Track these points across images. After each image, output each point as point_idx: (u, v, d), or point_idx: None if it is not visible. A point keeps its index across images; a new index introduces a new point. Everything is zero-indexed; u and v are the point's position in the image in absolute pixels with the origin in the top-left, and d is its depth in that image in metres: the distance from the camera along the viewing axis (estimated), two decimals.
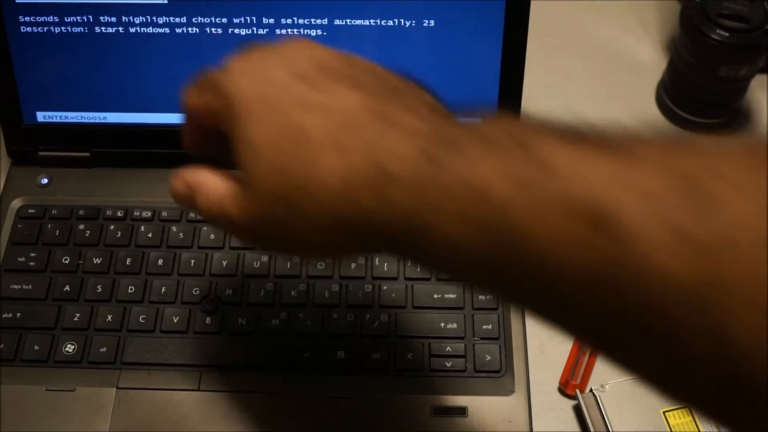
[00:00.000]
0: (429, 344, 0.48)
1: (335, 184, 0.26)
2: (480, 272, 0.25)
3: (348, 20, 0.50)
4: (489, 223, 0.23)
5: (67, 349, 0.48)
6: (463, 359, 0.47)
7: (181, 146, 0.36)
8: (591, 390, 0.45)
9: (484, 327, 0.48)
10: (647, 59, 0.65)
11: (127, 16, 0.51)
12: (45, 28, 0.51)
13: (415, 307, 0.49)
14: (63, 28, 0.51)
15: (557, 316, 0.24)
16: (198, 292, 0.50)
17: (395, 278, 0.50)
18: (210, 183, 0.32)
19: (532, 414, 0.46)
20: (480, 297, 0.49)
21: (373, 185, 0.25)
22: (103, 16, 0.51)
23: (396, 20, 0.50)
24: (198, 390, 0.46)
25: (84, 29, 0.51)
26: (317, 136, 0.27)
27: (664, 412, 0.44)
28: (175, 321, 0.49)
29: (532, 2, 0.49)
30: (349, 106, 0.27)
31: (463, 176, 0.24)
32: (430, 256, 0.26)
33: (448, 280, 0.50)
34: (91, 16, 0.51)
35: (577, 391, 0.47)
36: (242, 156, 0.29)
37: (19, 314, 0.49)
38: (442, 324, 0.48)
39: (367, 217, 0.26)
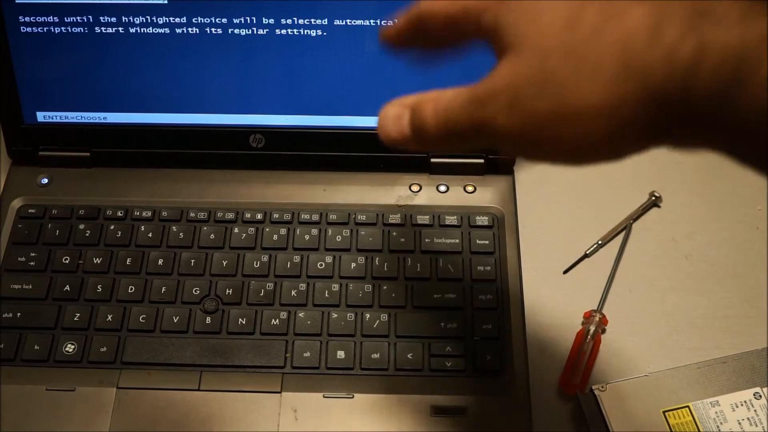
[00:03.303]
0: (429, 344, 0.48)
1: (639, 24, 0.23)
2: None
3: (348, 20, 0.50)
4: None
5: (67, 348, 0.48)
6: (463, 359, 0.47)
7: (384, 38, 0.32)
8: (591, 390, 0.45)
9: (484, 327, 0.48)
10: None
11: (127, 16, 0.51)
12: (45, 28, 0.51)
13: (415, 307, 0.49)
14: (63, 28, 0.51)
15: None
16: (198, 292, 0.50)
17: (395, 278, 0.50)
18: (439, 91, 0.28)
19: (532, 414, 0.46)
20: (480, 297, 0.49)
21: (683, 20, 0.23)
22: (103, 16, 0.51)
23: (395, 20, 0.50)
24: (198, 390, 0.46)
25: (84, 29, 0.51)
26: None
27: (664, 412, 0.44)
28: (175, 321, 0.49)
29: None
30: None
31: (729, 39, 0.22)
32: (726, 128, 0.23)
33: (448, 280, 0.50)
34: (91, 16, 0.51)
35: (577, 391, 0.47)
36: (518, 22, 0.25)
37: (19, 314, 0.49)
38: (442, 324, 0.48)
39: (667, 56, 0.23)
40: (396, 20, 0.31)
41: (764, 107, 0.22)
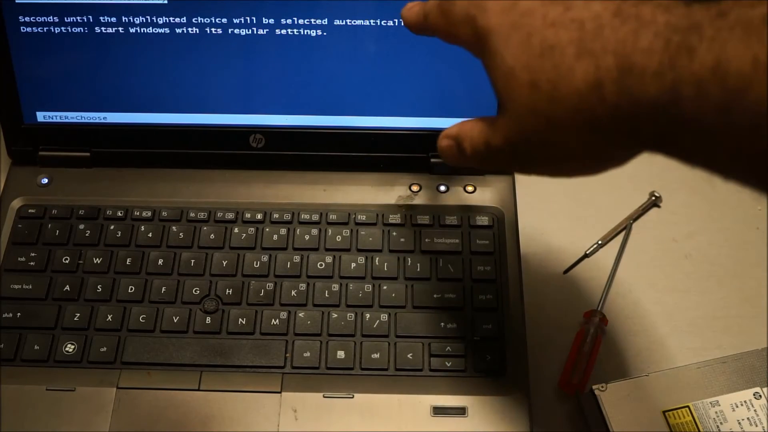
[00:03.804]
0: (429, 344, 0.48)
1: (583, 88, 0.28)
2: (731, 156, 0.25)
3: (348, 20, 0.50)
4: (727, 103, 0.24)
5: (67, 349, 0.48)
6: (463, 359, 0.47)
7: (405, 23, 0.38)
8: (591, 390, 0.45)
9: (484, 327, 0.48)
10: None
11: (127, 16, 0.51)
12: (45, 28, 0.51)
13: (415, 307, 0.49)
14: (63, 28, 0.51)
15: None
16: (198, 292, 0.50)
17: (395, 278, 0.50)
18: (471, 127, 0.35)
19: (532, 414, 0.46)
20: (480, 297, 0.49)
21: (617, 80, 0.27)
22: (103, 16, 0.51)
23: (396, 20, 0.50)
24: (198, 390, 0.46)
25: (84, 29, 0.51)
26: (568, 48, 0.28)
27: (664, 412, 0.44)
28: (175, 321, 0.49)
29: None
30: (594, 13, 0.28)
31: (705, 60, 0.24)
32: (682, 145, 0.27)
33: (448, 280, 0.50)
34: (91, 16, 0.51)
35: (577, 391, 0.47)
36: (498, 82, 0.31)
37: (19, 314, 0.49)
38: (442, 324, 0.48)
39: (612, 113, 0.27)
40: (410, 13, 0.37)
41: (684, 149, 0.27)
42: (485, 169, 0.55)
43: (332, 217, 0.53)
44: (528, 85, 0.29)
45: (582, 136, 0.29)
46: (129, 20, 0.51)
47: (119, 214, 0.53)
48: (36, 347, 0.48)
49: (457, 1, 0.33)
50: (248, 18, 0.50)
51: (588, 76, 0.27)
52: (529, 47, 0.29)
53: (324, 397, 0.46)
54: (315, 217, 0.53)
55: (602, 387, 0.45)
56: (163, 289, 0.50)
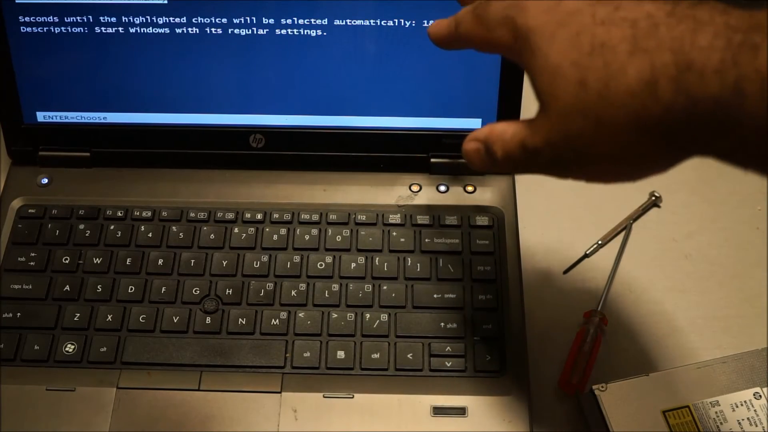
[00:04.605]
0: (429, 344, 0.48)
1: (636, 86, 0.27)
2: None
3: (348, 20, 0.50)
4: None
5: (67, 349, 0.48)
6: (462, 359, 0.47)
7: (431, 38, 0.37)
8: (591, 390, 0.45)
9: (484, 327, 0.48)
10: None
11: (127, 16, 0.51)
12: (45, 28, 0.51)
13: (415, 307, 0.49)
14: (63, 28, 0.51)
15: None
16: (198, 292, 0.50)
17: (395, 278, 0.50)
18: (503, 129, 0.33)
19: (532, 414, 0.46)
20: (480, 297, 0.49)
21: (674, 77, 0.26)
22: (103, 16, 0.51)
23: (396, 20, 0.50)
24: (198, 390, 0.46)
25: (84, 29, 0.51)
26: (620, 45, 0.27)
27: (664, 412, 0.44)
28: (175, 321, 0.49)
29: None
30: (646, 12, 0.28)
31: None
32: (737, 146, 0.27)
33: (448, 280, 0.50)
34: (91, 16, 0.51)
35: (577, 391, 0.47)
36: (541, 81, 0.30)
37: (19, 314, 0.49)
38: (442, 324, 0.48)
39: (665, 112, 0.27)
40: (439, 28, 0.37)
41: (729, 147, 0.27)
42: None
43: (332, 217, 0.53)
44: (576, 83, 0.28)
45: (631, 137, 0.28)
46: (129, 20, 0.51)
47: (119, 214, 0.53)
48: (36, 347, 0.48)
49: (492, 2, 0.33)
50: (248, 18, 0.51)
51: (642, 74, 0.27)
52: (578, 45, 0.29)
53: (324, 397, 0.46)
54: (315, 217, 0.53)
55: (602, 387, 0.45)
56: (163, 289, 0.50)
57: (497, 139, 0.33)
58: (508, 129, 0.33)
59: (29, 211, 0.53)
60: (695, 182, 0.58)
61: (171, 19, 0.51)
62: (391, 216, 0.53)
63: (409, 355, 0.47)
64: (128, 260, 0.51)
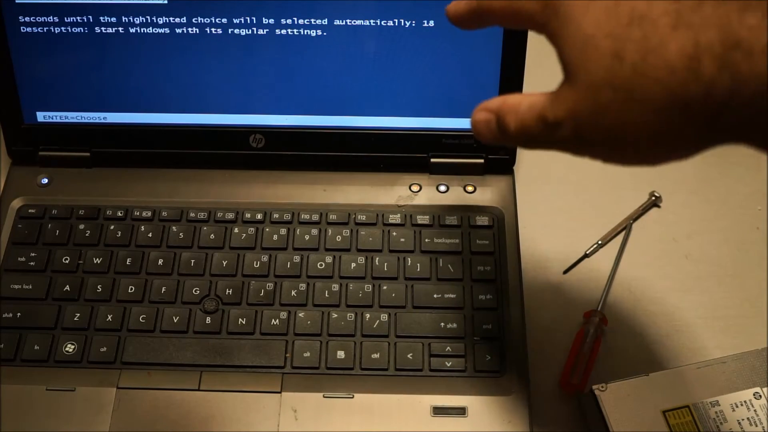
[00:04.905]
0: (429, 344, 0.48)
1: (677, 62, 0.26)
2: None
3: (348, 20, 0.50)
4: None
5: (67, 349, 0.48)
6: (462, 359, 0.47)
7: (448, 16, 0.35)
8: (591, 390, 0.45)
9: (484, 327, 0.48)
10: None
11: (127, 16, 0.51)
12: (45, 28, 0.51)
13: (415, 307, 0.49)
14: (63, 28, 0.51)
15: None
16: (198, 292, 0.50)
17: (395, 278, 0.50)
18: (518, 100, 0.32)
19: (532, 414, 0.46)
20: (480, 297, 0.49)
21: (719, 55, 0.25)
22: (103, 16, 0.51)
23: (396, 20, 0.50)
24: (198, 390, 0.46)
25: (84, 29, 0.51)
26: (662, 18, 0.26)
27: (664, 412, 0.44)
28: (175, 321, 0.49)
29: None
30: None
31: None
32: None
33: (448, 280, 0.50)
34: (91, 16, 0.51)
35: (577, 391, 0.47)
36: (571, 51, 0.29)
37: (19, 314, 0.49)
38: (442, 324, 0.48)
39: (706, 90, 0.25)
40: (458, 5, 0.35)
41: None
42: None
43: (332, 217, 0.53)
44: (610, 55, 0.27)
45: (664, 115, 0.27)
46: (129, 20, 0.51)
47: (119, 214, 0.53)
48: (36, 347, 0.48)
49: None
50: (248, 18, 0.51)
51: (685, 49, 0.25)
52: (616, 15, 0.27)
53: (324, 397, 0.46)
54: (315, 217, 0.53)
55: (602, 387, 0.45)
56: (163, 289, 0.50)
57: (511, 110, 0.32)
58: (524, 100, 0.31)
59: (29, 211, 0.53)
60: (695, 182, 0.58)
61: (171, 19, 0.51)
62: (391, 216, 0.53)
63: (409, 355, 0.47)
64: (128, 260, 0.51)
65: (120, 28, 0.51)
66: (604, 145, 0.29)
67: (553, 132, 0.30)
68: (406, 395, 0.46)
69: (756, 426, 0.44)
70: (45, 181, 0.55)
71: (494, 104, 0.33)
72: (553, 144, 0.31)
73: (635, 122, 0.27)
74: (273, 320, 0.49)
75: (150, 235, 0.52)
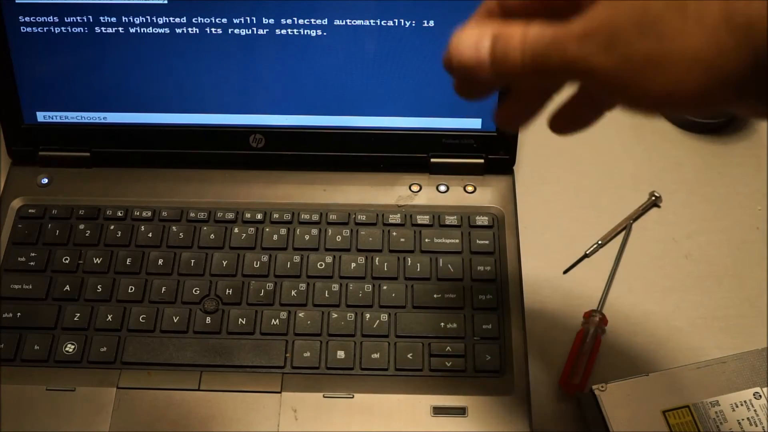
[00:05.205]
0: (429, 344, 0.48)
1: None
2: None
3: (348, 20, 0.50)
4: None
5: (67, 349, 0.48)
6: (462, 359, 0.47)
7: None
8: (591, 390, 0.45)
9: (484, 327, 0.48)
10: None
11: (127, 16, 0.51)
12: (45, 28, 0.51)
13: (415, 307, 0.49)
14: (63, 28, 0.51)
15: None
16: (198, 292, 0.50)
17: (395, 278, 0.50)
18: (522, 23, 0.26)
19: (532, 414, 0.46)
20: (480, 297, 0.49)
21: None
22: (103, 16, 0.51)
23: (396, 20, 0.50)
24: (198, 390, 0.46)
25: (84, 29, 0.51)
26: None
27: (664, 412, 0.44)
28: (175, 321, 0.49)
29: None
30: None
31: None
32: None
33: (448, 280, 0.50)
34: (91, 16, 0.51)
35: (577, 391, 0.47)
36: None
37: (19, 314, 0.49)
38: (442, 324, 0.48)
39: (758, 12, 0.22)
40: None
41: None
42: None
43: (332, 217, 0.53)
44: None
45: (718, 35, 0.22)
46: (129, 20, 0.51)
47: (119, 214, 0.53)
48: (36, 347, 0.48)
49: None
50: (248, 18, 0.50)
51: None
52: None
53: (324, 397, 0.46)
54: (315, 217, 0.53)
55: (602, 387, 0.45)
56: (163, 289, 0.50)
57: (518, 31, 0.26)
58: (533, 24, 0.26)
59: (29, 211, 0.53)
60: (695, 182, 0.58)
61: (171, 19, 0.51)
62: (391, 216, 0.53)
63: (409, 355, 0.47)
64: (128, 260, 0.51)
65: (120, 28, 0.51)
66: (634, 65, 0.24)
67: (578, 47, 0.24)
68: (406, 395, 0.46)
69: (756, 426, 0.44)
70: (45, 181, 0.55)
71: (492, 24, 0.27)
72: (565, 72, 0.25)
73: (684, 37, 0.23)
74: (273, 320, 0.49)
75: (150, 235, 0.52)
